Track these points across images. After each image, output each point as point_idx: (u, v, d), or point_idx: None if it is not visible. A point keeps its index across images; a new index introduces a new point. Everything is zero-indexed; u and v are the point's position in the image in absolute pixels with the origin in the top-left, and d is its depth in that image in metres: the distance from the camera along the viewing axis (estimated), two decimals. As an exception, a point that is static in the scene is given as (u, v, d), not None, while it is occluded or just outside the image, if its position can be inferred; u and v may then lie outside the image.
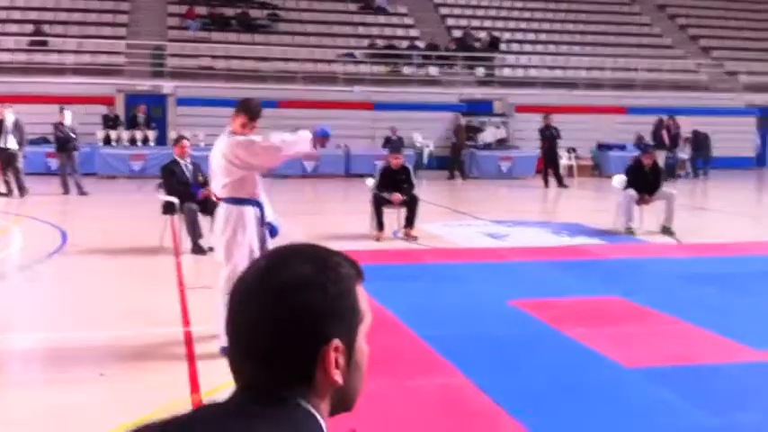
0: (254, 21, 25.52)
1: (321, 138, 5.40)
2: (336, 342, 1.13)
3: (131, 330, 5.92)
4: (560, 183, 18.93)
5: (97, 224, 11.87)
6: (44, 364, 5.34)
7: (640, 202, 11.46)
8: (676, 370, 5.20)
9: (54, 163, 16.61)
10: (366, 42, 25.49)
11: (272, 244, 5.70)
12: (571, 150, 22.35)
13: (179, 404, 4.42)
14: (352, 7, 27.17)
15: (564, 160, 21.37)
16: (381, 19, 27.11)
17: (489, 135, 22.69)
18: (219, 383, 4.84)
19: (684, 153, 22.95)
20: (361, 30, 26.30)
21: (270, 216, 5.82)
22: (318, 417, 1.13)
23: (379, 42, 25.55)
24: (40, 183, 16.34)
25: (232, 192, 5.42)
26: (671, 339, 5.92)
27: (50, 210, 13.14)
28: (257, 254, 5.46)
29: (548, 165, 19.23)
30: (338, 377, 1.14)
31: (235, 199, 5.43)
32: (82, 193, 15.33)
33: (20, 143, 15.23)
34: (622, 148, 22.23)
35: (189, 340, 5.68)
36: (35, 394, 4.63)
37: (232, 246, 5.39)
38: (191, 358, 5.27)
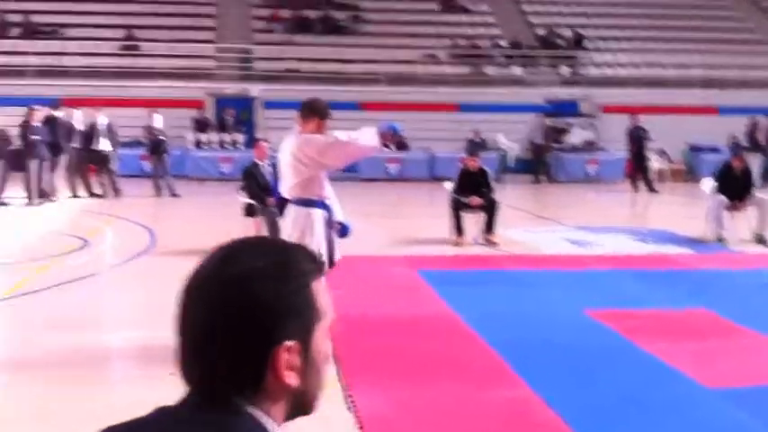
0: (337, 23, 25.76)
1: (389, 133, 5.37)
2: (289, 343, 1.06)
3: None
4: (650, 187, 18.36)
5: (185, 226, 12.20)
6: (129, 361, 5.55)
7: (731, 208, 11.02)
8: (759, 391, 4.98)
9: (148, 165, 17.16)
10: (448, 42, 25.39)
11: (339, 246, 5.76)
12: (662, 153, 21.70)
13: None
14: (433, 6, 27.10)
15: (654, 163, 20.78)
16: (463, 18, 26.93)
17: (575, 137, 22.26)
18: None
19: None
20: (443, 30, 26.19)
21: (340, 216, 5.86)
22: (267, 423, 1.07)
23: (462, 42, 25.42)
24: (134, 185, 16.89)
25: (300, 193, 5.45)
26: (756, 358, 5.68)
27: (142, 211, 13.57)
28: (324, 256, 5.50)
29: (636, 168, 18.71)
30: (292, 380, 1.07)
31: (302, 200, 5.46)
32: (173, 194, 15.78)
33: (113, 146, 15.79)
34: (715, 150, 21.42)
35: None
36: (121, 390, 4.80)
37: (299, 248, 5.40)
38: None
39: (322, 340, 1.12)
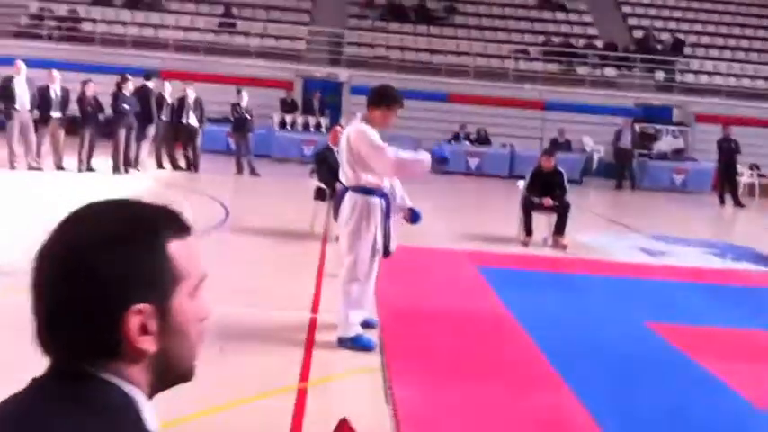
0: (431, 12, 25.70)
1: (439, 160, 5.37)
2: (140, 306, 1.04)
3: (261, 310, 6.18)
4: (737, 201, 17.77)
5: (260, 205, 12.44)
6: None
7: (816, 229, 10.58)
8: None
9: (232, 143, 17.52)
10: (541, 39, 25.03)
11: (396, 237, 5.76)
12: (754, 167, 20.94)
13: (282, 392, 4.58)
14: (530, 2, 26.74)
15: (745, 177, 20.08)
16: (559, 15, 26.52)
17: (665, 144, 21.67)
18: (329, 374, 4.97)
19: None
20: (537, 26, 25.86)
21: (409, 202, 5.87)
22: (127, 388, 1.06)
23: (555, 40, 25.02)
24: (218, 161, 17.29)
25: (357, 181, 5.42)
26: (817, 384, 5.45)
27: (221, 187, 13.87)
28: (380, 246, 5.52)
29: (724, 180, 18.12)
30: (146, 344, 1.05)
31: (361, 188, 5.43)
32: (254, 173, 16.06)
33: (200, 120, 16.18)
34: (811, 167, 20.56)
35: (313, 327, 5.84)
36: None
37: (356, 236, 5.44)
38: (309, 345, 5.41)
39: (186, 302, 1.09)
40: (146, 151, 15.21)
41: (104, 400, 1.04)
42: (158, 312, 1.06)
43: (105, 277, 1.03)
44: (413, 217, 5.91)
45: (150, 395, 1.10)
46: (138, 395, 1.07)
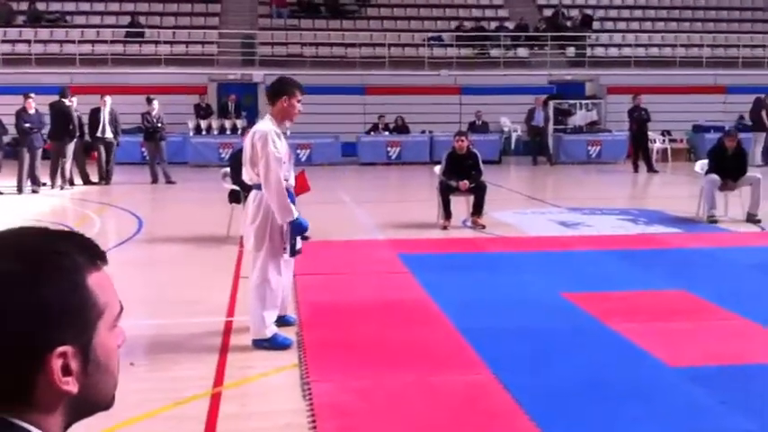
0: (342, 6, 25.65)
1: (297, 229, 5.39)
2: (62, 348, 0.98)
3: (173, 319, 6.06)
4: (650, 167, 18.25)
5: (176, 213, 12.24)
6: None
7: (724, 188, 10.91)
8: (722, 370, 4.93)
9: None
10: (454, 25, 25.23)
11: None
12: (665, 133, 21.53)
13: (197, 399, 4.50)
14: (440, -12, 26.92)
15: (657, 144, 20.62)
16: (470, 0, 26.76)
17: (579, 118, 22.09)
18: (245, 377, 4.90)
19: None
20: (449, 12, 26.05)
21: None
22: None
23: (467, 24, 25.25)
24: (132, 172, 16.95)
25: (260, 179, 5.37)
26: (724, 337, 5.61)
27: (135, 198, 13.60)
28: (288, 242, 5.46)
29: (637, 148, 18.59)
30: (70, 386, 0.99)
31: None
32: (169, 181, 15.81)
33: (115, 133, 15.84)
34: (721, 130, 21.14)
35: (228, 331, 5.76)
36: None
37: (262, 234, 5.39)
38: (224, 350, 5.33)
39: (106, 335, 1.04)
40: (60, 168, 14.83)
41: None
42: (81, 351, 1.00)
43: (26, 320, 0.96)
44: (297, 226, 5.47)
45: (65, 430, 1.05)
46: None
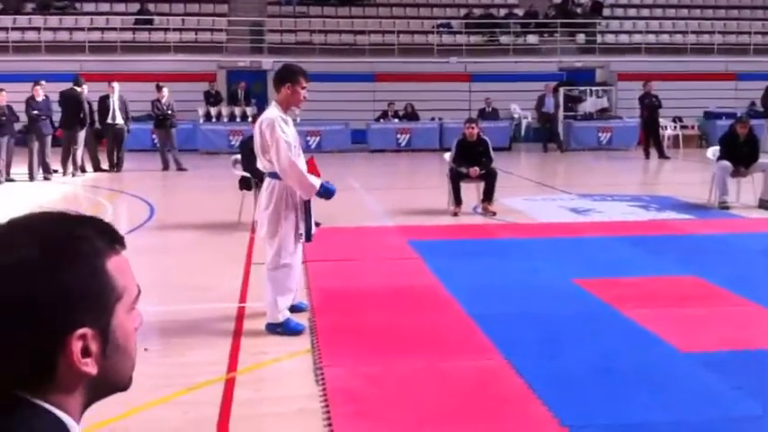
0: (351, -7, 25.56)
1: (324, 194, 5.52)
2: (82, 330, 1.00)
3: (187, 305, 6.09)
4: (661, 154, 18.19)
5: (187, 199, 12.26)
6: None
7: (736, 174, 10.86)
8: (734, 355, 4.93)
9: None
10: (463, 12, 25.12)
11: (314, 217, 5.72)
12: (677, 120, 21.43)
13: (211, 384, 4.53)
14: (449, -25, 26.79)
15: (669, 130, 20.54)
16: (479, -13, 26.62)
17: (590, 105, 21.99)
18: (258, 362, 4.93)
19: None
20: (458, -1, 25.95)
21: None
22: (61, 416, 1.01)
23: (477, 11, 25.14)
24: (143, 159, 16.99)
25: (273, 167, 5.37)
26: (737, 323, 5.60)
27: (147, 185, 13.63)
28: (302, 230, 5.49)
29: (648, 135, 18.53)
30: (89, 368, 1.01)
31: (276, 174, 5.39)
32: (180, 168, 15.83)
33: (125, 119, 15.88)
34: (732, 116, 21.04)
35: (241, 316, 5.79)
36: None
37: (276, 221, 5.40)
38: (237, 336, 5.35)
39: (125, 318, 1.07)
40: (68, 155, 14.88)
41: (44, 428, 0.99)
42: (100, 334, 1.02)
43: (47, 303, 0.98)
44: (326, 193, 5.66)
45: (83, 412, 1.07)
46: (70, 421, 1.03)
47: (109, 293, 1.03)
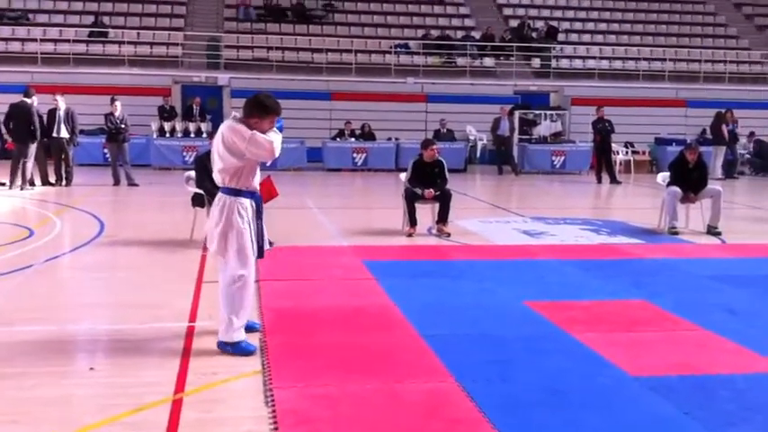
0: (309, 11, 25.61)
1: (280, 128, 5.43)
2: None
3: (136, 324, 5.97)
4: (613, 179, 18.50)
5: (138, 216, 12.07)
6: (38, 356, 5.22)
7: (685, 200, 11.07)
8: (682, 380, 4.98)
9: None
10: (421, 33, 25.33)
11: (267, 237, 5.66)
12: (628, 145, 21.82)
13: (159, 405, 4.43)
14: (408, -3, 27.05)
15: (620, 155, 20.89)
16: (437, 9, 26.92)
17: (544, 128, 22.30)
18: (208, 382, 4.84)
19: (745, 149, 22.13)
20: (416, 20, 26.18)
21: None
22: None
23: (434, 33, 25.37)
24: (94, 173, 16.72)
25: (228, 181, 5.33)
26: (684, 347, 5.67)
27: (96, 200, 13.41)
28: (255, 246, 5.42)
29: (600, 159, 18.82)
30: None
31: (231, 189, 5.34)
32: (132, 184, 15.62)
33: (71, 132, 15.60)
34: (682, 142, 21.52)
35: (190, 336, 5.69)
36: (25, 385, 4.67)
37: (227, 238, 5.34)
38: (186, 356, 5.26)
39: None
40: (29, 168, 14.59)
41: None
42: None
43: None
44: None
45: None
46: None
47: None
